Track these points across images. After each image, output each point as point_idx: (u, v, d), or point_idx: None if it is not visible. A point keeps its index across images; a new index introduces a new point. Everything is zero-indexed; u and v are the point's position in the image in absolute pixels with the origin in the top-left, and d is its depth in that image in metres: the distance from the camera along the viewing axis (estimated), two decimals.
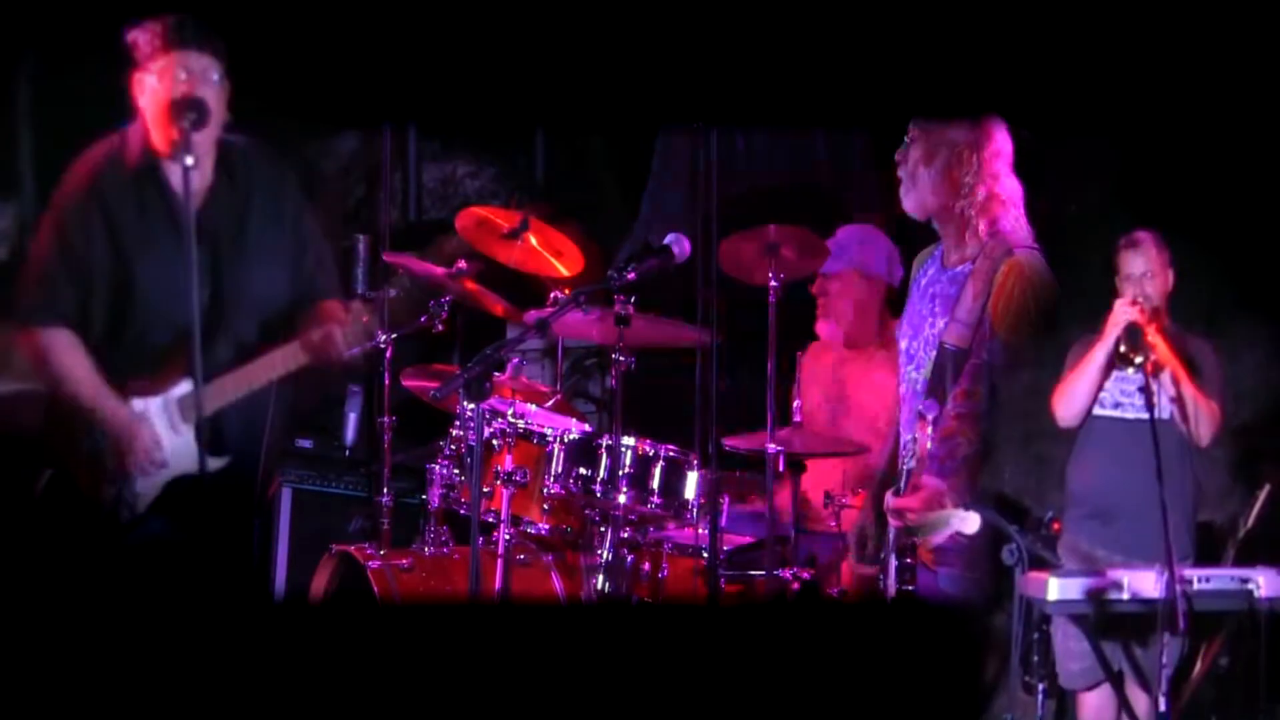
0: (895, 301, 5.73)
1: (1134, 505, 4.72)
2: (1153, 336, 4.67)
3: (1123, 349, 4.65)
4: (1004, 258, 4.76)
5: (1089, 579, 4.44)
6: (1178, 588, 4.34)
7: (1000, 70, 5.51)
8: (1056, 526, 4.81)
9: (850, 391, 5.81)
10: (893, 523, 4.68)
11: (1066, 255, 5.12)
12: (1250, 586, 4.50)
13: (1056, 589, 4.39)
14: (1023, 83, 5.42)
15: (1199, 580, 4.46)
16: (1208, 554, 4.97)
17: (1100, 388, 4.79)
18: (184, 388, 4.12)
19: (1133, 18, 5.20)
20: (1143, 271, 4.76)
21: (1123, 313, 4.69)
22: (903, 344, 4.95)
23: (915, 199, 4.85)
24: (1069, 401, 4.82)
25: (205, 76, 4.12)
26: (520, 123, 7.61)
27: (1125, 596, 4.41)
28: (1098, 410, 4.84)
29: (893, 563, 4.71)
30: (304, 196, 4.37)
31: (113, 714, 3.45)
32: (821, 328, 5.88)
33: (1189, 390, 4.73)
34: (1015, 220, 4.83)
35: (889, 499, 4.69)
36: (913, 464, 4.64)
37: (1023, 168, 4.97)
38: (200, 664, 3.52)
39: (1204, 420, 4.74)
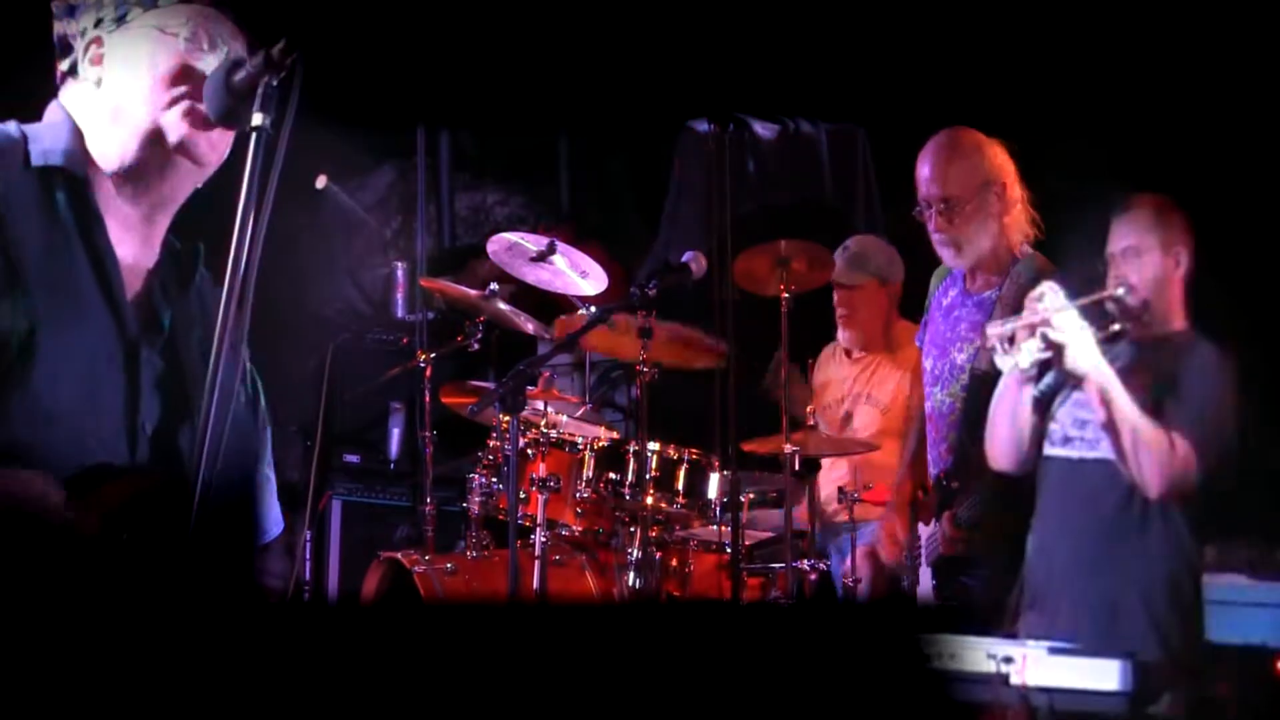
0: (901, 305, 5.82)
1: (1079, 584, 3.32)
2: (1060, 334, 3.29)
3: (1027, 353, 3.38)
4: (1030, 285, 4.15)
5: None
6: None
7: (996, 73, 5.74)
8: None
9: (860, 393, 5.80)
10: (943, 549, 4.27)
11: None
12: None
13: None
14: (1019, 87, 5.64)
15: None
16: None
17: (1021, 409, 3.45)
18: None
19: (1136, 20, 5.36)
20: (1125, 247, 3.49)
21: (1035, 298, 3.44)
22: (927, 363, 4.66)
23: (971, 255, 4.48)
24: (988, 435, 3.52)
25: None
26: (544, 127, 7.77)
27: None
28: (1047, 448, 3.52)
29: (928, 574, 4.37)
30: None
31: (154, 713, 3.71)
32: (844, 336, 5.85)
33: (1125, 414, 3.26)
34: (1029, 243, 4.50)
35: (947, 526, 4.24)
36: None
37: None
38: (260, 661, 3.82)
39: (1147, 457, 3.21)
